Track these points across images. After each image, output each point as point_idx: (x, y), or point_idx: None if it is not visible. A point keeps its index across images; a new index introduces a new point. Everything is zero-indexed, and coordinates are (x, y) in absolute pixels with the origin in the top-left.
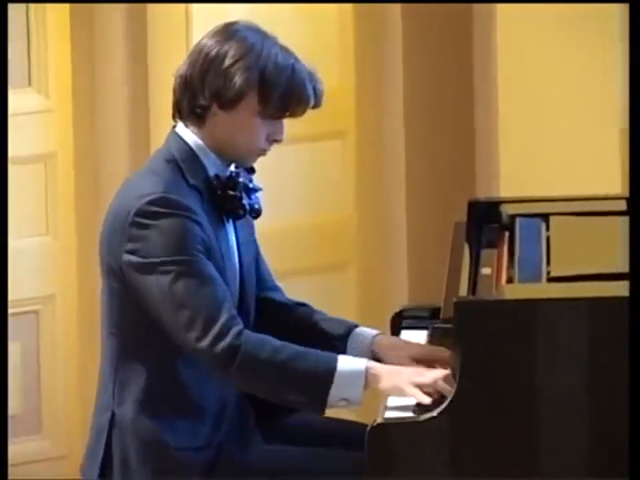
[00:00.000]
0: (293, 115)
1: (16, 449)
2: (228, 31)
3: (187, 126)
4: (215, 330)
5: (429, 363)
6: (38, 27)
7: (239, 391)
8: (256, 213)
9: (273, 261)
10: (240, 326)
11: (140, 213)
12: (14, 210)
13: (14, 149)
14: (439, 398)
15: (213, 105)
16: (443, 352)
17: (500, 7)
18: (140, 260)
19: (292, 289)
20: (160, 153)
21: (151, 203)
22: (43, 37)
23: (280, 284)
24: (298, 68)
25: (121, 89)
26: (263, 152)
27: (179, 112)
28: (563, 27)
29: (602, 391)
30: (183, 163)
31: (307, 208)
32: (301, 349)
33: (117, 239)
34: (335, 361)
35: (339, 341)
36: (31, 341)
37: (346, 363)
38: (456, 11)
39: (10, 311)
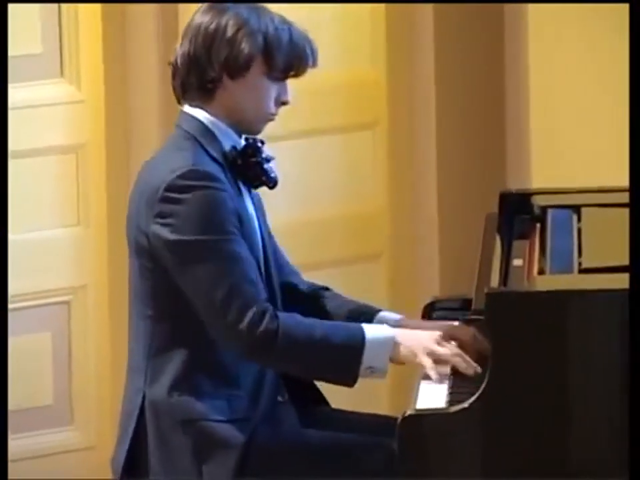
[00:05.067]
0: (296, 75)
1: (47, 439)
2: (219, 7)
3: (194, 105)
4: (252, 312)
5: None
6: (70, 18)
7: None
8: (274, 182)
9: (304, 252)
10: (271, 308)
11: (171, 188)
12: (45, 200)
13: (46, 139)
14: (469, 385)
15: (223, 76)
16: (464, 329)
17: (531, 6)
18: (172, 237)
19: (324, 280)
20: (175, 135)
21: (181, 176)
22: (75, 28)
23: (312, 275)
24: (295, 29)
25: (152, 79)
26: (272, 116)
27: (184, 93)
28: (593, 24)
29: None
30: (202, 138)
31: (339, 199)
32: (329, 323)
33: (146, 215)
34: (363, 330)
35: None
36: (62, 332)
37: (372, 331)
38: (487, 11)
39: (41, 301)
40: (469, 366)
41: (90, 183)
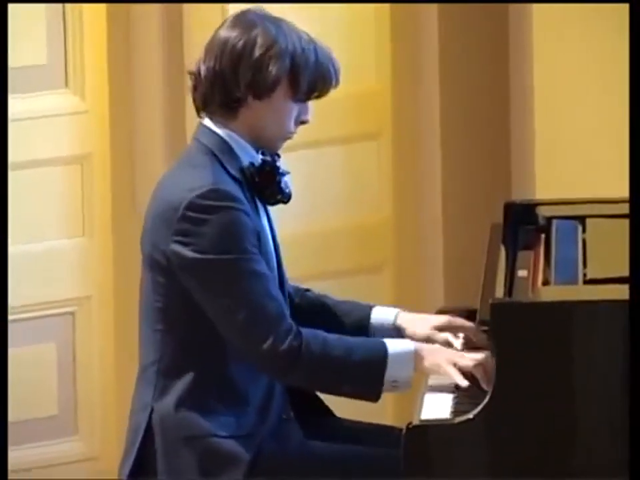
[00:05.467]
0: (320, 95)
1: (52, 449)
2: (246, 21)
3: (214, 120)
4: (277, 331)
5: (451, 330)
6: (75, 28)
7: (293, 388)
8: (288, 197)
9: (308, 263)
10: (294, 324)
11: (191, 207)
12: (50, 211)
13: (50, 150)
14: (474, 396)
15: (248, 96)
16: (463, 321)
17: (536, 6)
18: (193, 255)
19: (328, 291)
20: (193, 149)
21: (201, 196)
22: (80, 39)
23: (316, 285)
24: (320, 49)
25: (157, 90)
26: (291, 135)
27: (205, 106)
28: (597, 24)
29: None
30: (221, 154)
31: (343, 210)
32: (350, 339)
33: (163, 233)
34: (385, 345)
35: (364, 321)
36: (67, 342)
37: (394, 345)
38: (492, 11)
39: (46, 312)
40: (488, 380)
41: (95, 193)
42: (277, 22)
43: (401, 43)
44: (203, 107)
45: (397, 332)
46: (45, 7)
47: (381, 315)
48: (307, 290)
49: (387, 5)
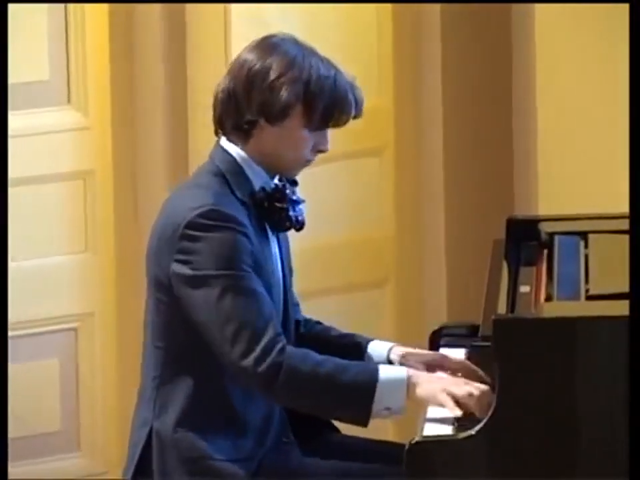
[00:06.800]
0: (337, 125)
1: (54, 466)
2: (267, 45)
3: (230, 140)
4: (260, 347)
5: (443, 370)
6: (77, 44)
7: (282, 407)
8: (300, 225)
9: (311, 278)
10: (283, 342)
11: (190, 225)
12: (53, 227)
13: (53, 166)
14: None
15: (260, 120)
16: (457, 361)
17: (538, 7)
18: (190, 272)
19: (330, 307)
20: (205, 167)
21: (201, 215)
22: (82, 55)
23: (318, 301)
24: (339, 78)
25: (159, 106)
26: (308, 162)
27: (222, 127)
28: (601, 27)
29: None
30: (230, 176)
31: (346, 225)
32: (341, 361)
33: (166, 251)
34: (377, 371)
35: (359, 354)
36: (70, 358)
37: (387, 371)
38: (495, 11)
39: (49, 328)
40: (482, 409)
41: (97, 209)
42: (298, 46)
43: (402, 50)
44: (220, 126)
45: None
46: (47, 23)
47: (376, 348)
48: (318, 322)
49: (388, 6)
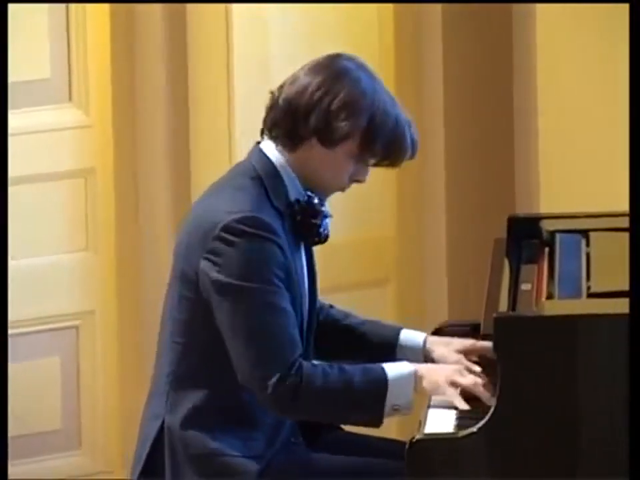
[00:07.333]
0: (393, 164)
1: (54, 464)
2: (339, 69)
3: (275, 144)
4: (278, 375)
5: (475, 353)
6: (78, 43)
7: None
8: (325, 239)
9: None
10: (300, 362)
11: (227, 229)
12: (53, 225)
13: (54, 164)
14: (477, 412)
15: (312, 139)
16: (483, 344)
17: (539, 7)
18: (216, 275)
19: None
20: (242, 168)
21: (239, 221)
22: (83, 53)
23: (320, 299)
24: (401, 118)
25: (160, 104)
26: (342, 189)
27: (270, 130)
28: (601, 28)
29: None
30: (268, 181)
31: (347, 225)
32: (348, 367)
33: (197, 248)
34: (384, 371)
35: (392, 342)
36: (71, 357)
37: (394, 369)
38: (496, 11)
39: (50, 326)
40: (489, 397)
41: (98, 207)
42: (368, 76)
43: (403, 50)
44: (269, 130)
45: (425, 355)
46: (48, 21)
47: (410, 337)
48: (331, 306)
49: (390, 6)
